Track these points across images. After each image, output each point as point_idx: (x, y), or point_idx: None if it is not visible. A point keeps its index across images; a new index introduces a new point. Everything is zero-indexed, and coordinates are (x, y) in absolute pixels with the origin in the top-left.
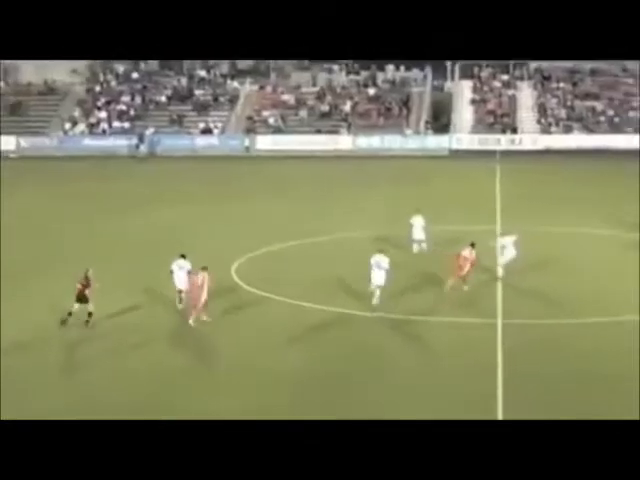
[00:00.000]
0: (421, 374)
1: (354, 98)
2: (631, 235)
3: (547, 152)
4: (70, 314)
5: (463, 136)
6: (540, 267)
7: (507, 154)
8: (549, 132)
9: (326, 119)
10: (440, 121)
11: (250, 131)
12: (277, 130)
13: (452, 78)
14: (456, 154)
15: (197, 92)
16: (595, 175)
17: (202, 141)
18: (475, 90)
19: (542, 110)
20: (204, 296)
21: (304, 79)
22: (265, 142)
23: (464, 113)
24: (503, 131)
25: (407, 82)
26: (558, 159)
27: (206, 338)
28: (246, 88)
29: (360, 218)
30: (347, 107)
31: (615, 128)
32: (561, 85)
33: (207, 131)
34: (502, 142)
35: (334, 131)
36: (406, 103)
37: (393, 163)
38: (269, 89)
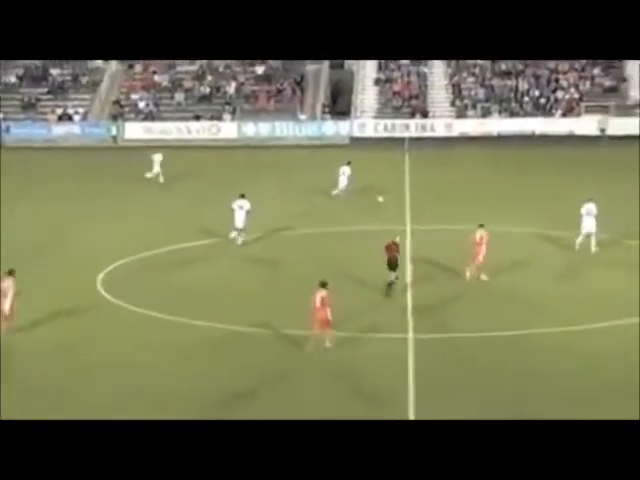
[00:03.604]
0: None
1: (239, 78)
2: (554, 233)
3: (463, 139)
4: (390, 284)
5: (366, 121)
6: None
7: (417, 142)
8: (465, 116)
9: (206, 103)
10: (339, 104)
11: (117, 117)
12: (149, 116)
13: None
14: (358, 142)
15: (53, 71)
16: (518, 165)
17: (60, 129)
18: (380, 68)
19: (457, 90)
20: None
21: None
22: (135, 130)
23: (367, 95)
24: (412, 115)
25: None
26: (476, 147)
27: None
28: (112, 67)
29: (247, 218)
30: (231, 89)
31: (541, 110)
32: (478, 61)
33: (66, 118)
34: (411, 128)
35: (216, 117)
36: (300, 83)
37: (285, 153)
38: (139, 68)
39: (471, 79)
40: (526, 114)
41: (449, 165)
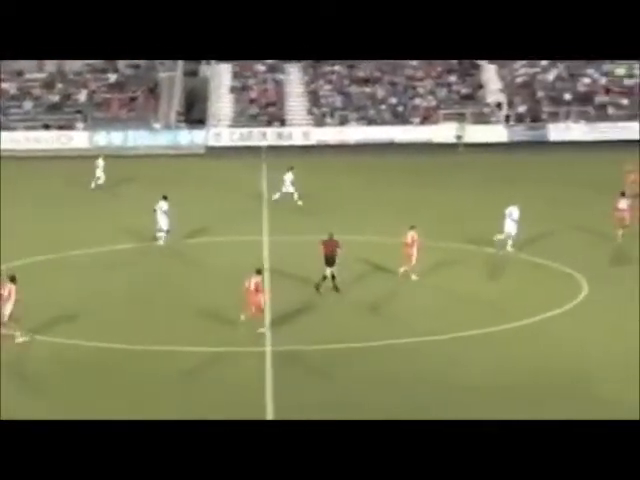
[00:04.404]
0: None
1: (90, 86)
2: (429, 240)
3: (321, 147)
4: (325, 278)
5: (222, 130)
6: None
7: (275, 150)
8: (323, 124)
9: (56, 111)
10: (195, 113)
11: None
12: None
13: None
14: (214, 151)
15: None
16: (378, 173)
17: None
18: (236, 75)
19: (314, 98)
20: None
21: (28, 63)
22: None
23: (223, 103)
24: (269, 123)
25: (154, 66)
26: (334, 155)
27: None
28: None
29: (99, 229)
30: (82, 97)
31: (399, 118)
32: (335, 68)
33: None
34: (268, 136)
35: (67, 126)
36: (153, 91)
37: (139, 163)
38: None
39: (328, 86)
40: (384, 122)
41: (308, 174)
